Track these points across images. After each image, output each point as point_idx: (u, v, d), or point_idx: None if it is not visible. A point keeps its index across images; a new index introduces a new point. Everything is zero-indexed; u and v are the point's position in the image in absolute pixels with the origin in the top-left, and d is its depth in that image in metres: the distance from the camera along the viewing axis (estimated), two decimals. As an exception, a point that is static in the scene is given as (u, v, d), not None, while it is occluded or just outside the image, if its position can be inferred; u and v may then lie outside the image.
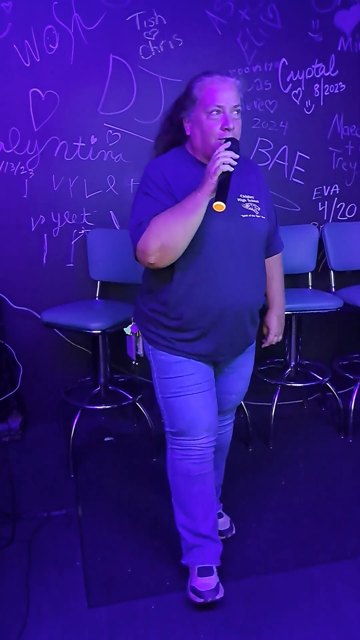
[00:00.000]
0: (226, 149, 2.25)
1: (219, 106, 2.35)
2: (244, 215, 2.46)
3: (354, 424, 4.15)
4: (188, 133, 2.48)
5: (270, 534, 3.12)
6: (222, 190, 2.19)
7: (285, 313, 3.78)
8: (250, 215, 2.47)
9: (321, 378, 4.29)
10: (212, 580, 2.65)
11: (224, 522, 3.12)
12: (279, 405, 4.09)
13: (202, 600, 2.59)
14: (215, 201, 2.16)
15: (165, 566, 2.89)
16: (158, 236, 2.30)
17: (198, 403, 2.57)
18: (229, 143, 2.29)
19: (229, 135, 2.35)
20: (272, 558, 2.94)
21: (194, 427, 2.58)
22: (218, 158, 2.22)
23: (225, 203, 2.16)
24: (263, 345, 2.92)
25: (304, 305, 3.92)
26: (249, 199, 2.50)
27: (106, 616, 2.60)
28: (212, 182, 2.22)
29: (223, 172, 2.21)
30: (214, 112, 2.35)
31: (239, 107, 2.41)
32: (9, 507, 3.31)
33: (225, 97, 2.36)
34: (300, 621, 2.56)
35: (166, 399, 2.62)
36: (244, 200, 2.48)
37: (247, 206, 2.48)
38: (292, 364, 4.29)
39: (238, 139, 2.39)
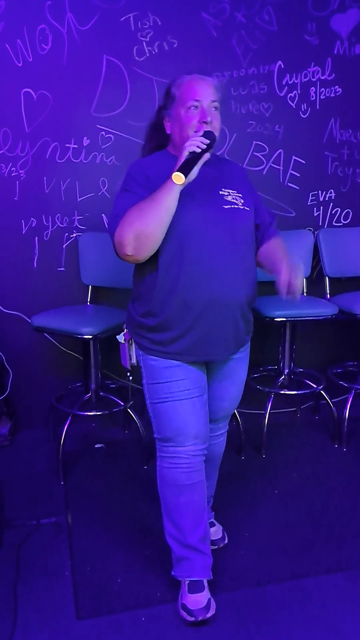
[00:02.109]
0: (199, 136, 2.31)
1: (196, 100, 2.40)
2: (226, 207, 2.43)
3: (348, 433, 4.10)
4: (168, 132, 2.53)
5: (263, 544, 3.07)
6: (186, 165, 2.24)
7: (279, 320, 3.79)
8: (232, 206, 2.44)
9: (315, 386, 4.25)
10: (203, 598, 2.59)
11: (216, 532, 3.07)
12: (272, 413, 4.04)
13: (193, 619, 2.54)
14: (176, 172, 2.23)
15: (156, 577, 2.83)
16: (132, 224, 2.28)
17: (186, 409, 2.51)
18: (202, 132, 2.34)
19: (207, 128, 2.38)
20: (265, 569, 2.89)
21: (181, 434, 2.52)
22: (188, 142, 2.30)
23: (185, 177, 2.22)
24: (285, 294, 2.33)
25: (298, 312, 3.86)
26: (231, 192, 2.48)
27: (95, 628, 2.53)
28: (180, 162, 2.27)
29: (190, 152, 2.26)
30: (192, 107, 2.41)
31: (217, 104, 2.45)
32: (-3, 514, 3.26)
33: (202, 91, 2.42)
34: (294, 634, 2.50)
35: (154, 404, 2.57)
36: (226, 194, 2.46)
37: (229, 198, 2.46)
38: (286, 371, 4.24)
39: (217, 134, 2.41)
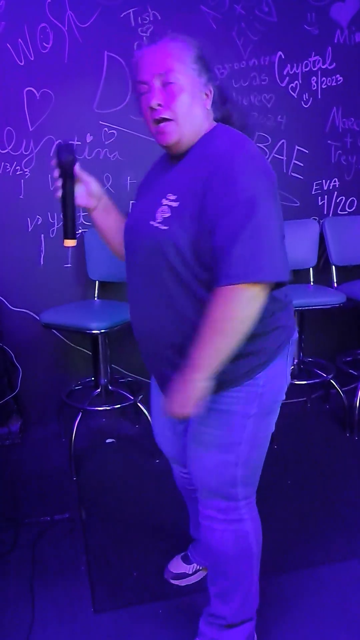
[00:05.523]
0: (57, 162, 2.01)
1: (141, 81, 1.87)
2: (150, 222, 1.87)
3: (359, 421, 4.10)
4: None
5: (278, 534, 3.07)
6: (66, 222, 2.06)
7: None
8: (151, 222, 1.86)
9: (325, 375, 4.25)
10: (183, 568, 2.77)
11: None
12: (282, 404, 4.02)
13: (166, 577, 2.77)
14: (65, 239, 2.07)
15: (171, 569, 2.85)
16: None
17: (158, 430, 2.48)
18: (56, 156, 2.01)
19: (158, 114, 1.87)
20: (280, 558, 2.89)
21: (163, 453, 2.54)
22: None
23: (70, 237, 2.05)
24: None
25: (305, 301, 3.87)
26: (169, 200, 1.85)
27: (112, 621, 2.55)
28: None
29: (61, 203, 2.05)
30: (143, 91, 1.88)
31: (174, 75, 1.83)
32: (11, 511, 3.27)
33: (147, 67, 1.86)
34: (310, 621, 2.52)
35: None
36: (165, 202, 1.86)
37: (158, 210, 1.86)
38: (295, 361, 4.25)
39: (180, 116, 1.86)
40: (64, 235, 2.03)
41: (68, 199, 2.03)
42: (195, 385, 1.80)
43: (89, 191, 2.08)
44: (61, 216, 2.04)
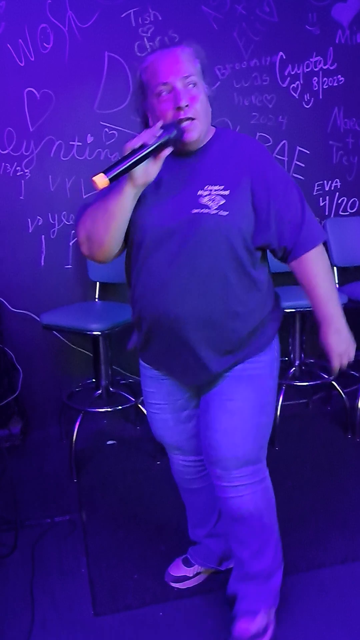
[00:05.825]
0: (159, 128, 1.96)
1: (164, 83, 1.97)
2: (194, 211, 2.02)
3: (360, 423, 4.09)
4: (151, 125, 2.09)
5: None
6: (118, 163, 1.89)
7: (288, 311, 3.76)
8: (202, 210, 2.01)
9: (326, 376, 4.23)
10: (183, 571, 2.77)
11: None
12: (284, 405, 4.03)
13: (167, 579, 2.78)
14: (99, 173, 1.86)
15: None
16: (85, 224, 2.12)
17: (158, 423, 2.52)
18: (161, 124, 1.97)
19: (185, 114, 1.99)
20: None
21: (164, 443, 2.59)
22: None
23: (108, 177, 1.85)
24: (333, 375, 2.34)
25: (307, 302, 3.84)
26: (214, 190, 2.02)
27: (113, 624, 2.54)
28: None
29: (132, 151, 1.91)
30: (163, 92, 1.99)
31: (194, 78, 2.00)
32: (11, 513, 3.26)
33: (168, 70, 1.98)
34: (311, 624, 2.51)
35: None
36: (206, 193, 2.02)
37: (205, 200, 2.01)
38: (297, 362, 4.24)
39: (201, 116, 2.02)
40: (105, 171, 1.87)
41: (140, 159, 1.92)
42: (345, 327, 2.26)
43: (148, 171, 1.97)
44: (122, 159, 1.90)
